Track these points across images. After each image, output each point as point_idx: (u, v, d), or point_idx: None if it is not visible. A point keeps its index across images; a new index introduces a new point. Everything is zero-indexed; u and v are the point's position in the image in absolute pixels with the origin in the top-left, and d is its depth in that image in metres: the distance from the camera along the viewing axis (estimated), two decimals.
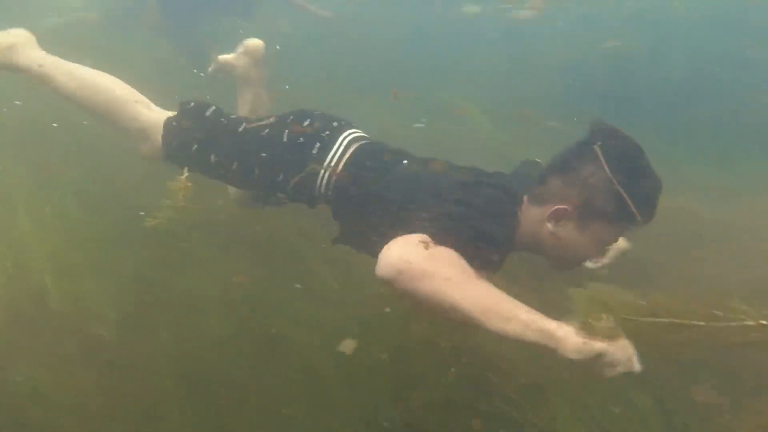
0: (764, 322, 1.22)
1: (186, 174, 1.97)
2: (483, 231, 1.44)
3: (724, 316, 1.27)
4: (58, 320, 1.88)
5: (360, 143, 1.93)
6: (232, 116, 2.12)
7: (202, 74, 2.43)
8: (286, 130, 1.94)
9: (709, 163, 3.52)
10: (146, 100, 2.11)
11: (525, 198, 1.66)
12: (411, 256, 1.28)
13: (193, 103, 2.08)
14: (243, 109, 2.52)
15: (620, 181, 1.47)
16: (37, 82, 2.13)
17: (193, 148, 1.99)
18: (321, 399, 1.70)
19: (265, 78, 2.53)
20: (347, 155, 1.88)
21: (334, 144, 1.89)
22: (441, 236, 1.36)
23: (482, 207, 1.51)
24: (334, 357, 1.75)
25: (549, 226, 1.57)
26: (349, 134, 1.95)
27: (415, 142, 2.19)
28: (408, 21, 5.64)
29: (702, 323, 1.25)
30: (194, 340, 1.85)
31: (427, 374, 1.75)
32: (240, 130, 1.99)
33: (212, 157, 1.97)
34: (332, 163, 1.86)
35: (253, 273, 2.10)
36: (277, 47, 2.60)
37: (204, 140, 1.98)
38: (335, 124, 1.98)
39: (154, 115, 2.07)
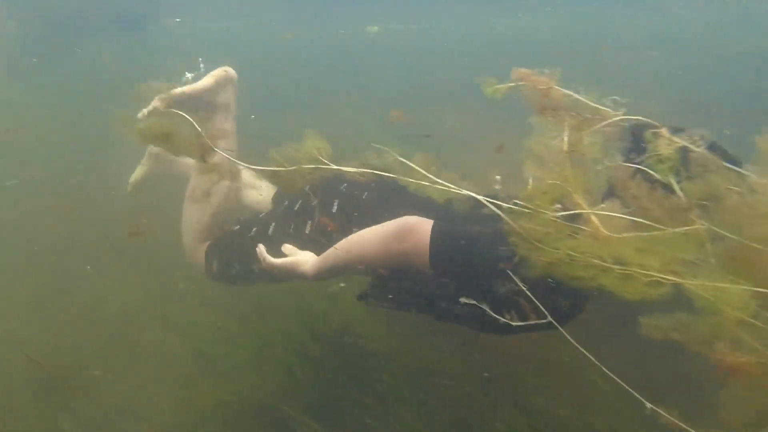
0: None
1: None
2: None
3: None
4: None
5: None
6: (256, 221, 2.07)
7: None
8: (309, 221, 1.81)
9: None
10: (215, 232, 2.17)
11: None
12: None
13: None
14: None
15: None
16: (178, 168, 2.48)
17: (234, 269, 1.99)
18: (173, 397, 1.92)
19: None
20: None
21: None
22: None
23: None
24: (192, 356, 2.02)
25: None
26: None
27: None
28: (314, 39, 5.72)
29: None
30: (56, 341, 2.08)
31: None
32: (269, 233, 1.94)
33: (255, 268, 1.88)
34: None
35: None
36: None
37: (242, 257, 1.96)
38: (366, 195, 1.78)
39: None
